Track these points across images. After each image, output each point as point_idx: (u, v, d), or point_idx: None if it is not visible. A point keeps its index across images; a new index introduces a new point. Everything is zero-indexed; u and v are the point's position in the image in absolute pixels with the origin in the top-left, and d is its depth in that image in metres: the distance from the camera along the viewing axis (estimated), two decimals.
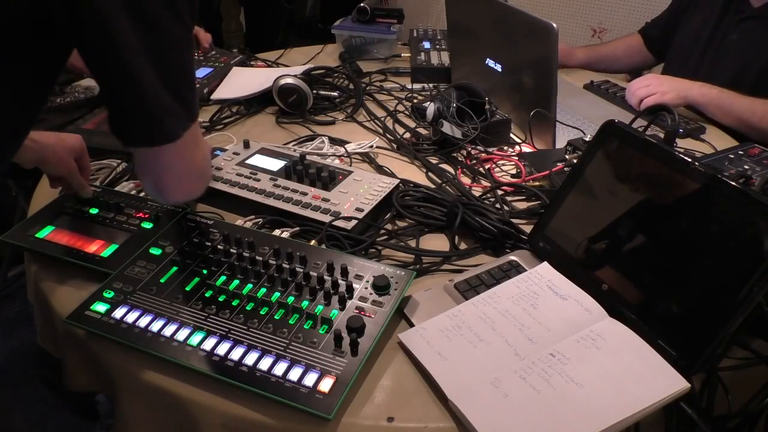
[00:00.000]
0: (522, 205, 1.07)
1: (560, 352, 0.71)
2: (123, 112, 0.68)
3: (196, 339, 0.73)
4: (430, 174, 1.16)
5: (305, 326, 0.74)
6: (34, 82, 0.70)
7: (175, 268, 0.83)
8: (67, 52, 0.70)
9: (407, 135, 1.30)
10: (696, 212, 0.74)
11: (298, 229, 0.95)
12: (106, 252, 0.88)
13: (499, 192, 1.09)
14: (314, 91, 1.38)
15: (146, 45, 0.63)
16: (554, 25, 1.09)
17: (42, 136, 0.92)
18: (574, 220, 0.87)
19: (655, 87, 1.36)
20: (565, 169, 1.07)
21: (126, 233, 0.91)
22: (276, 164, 1.07)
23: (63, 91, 1.50)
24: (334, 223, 0.93)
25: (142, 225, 0.93)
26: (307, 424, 0.66)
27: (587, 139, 1.12)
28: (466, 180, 1.15)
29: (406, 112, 1.40)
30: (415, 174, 1.17)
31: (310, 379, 0.68)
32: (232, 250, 0.86)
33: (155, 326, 0.74)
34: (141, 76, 0.64)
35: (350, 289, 0.79)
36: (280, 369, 0.69)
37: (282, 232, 0.93)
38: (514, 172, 1.16)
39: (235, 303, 0.78)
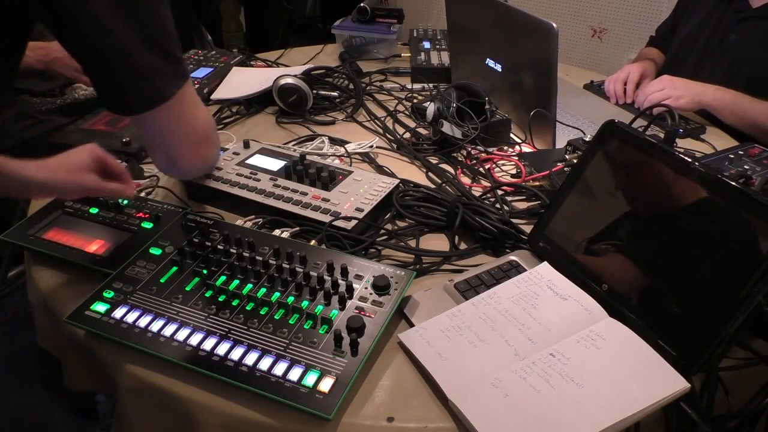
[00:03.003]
0: (522, 205, 1.07)
1: (560, 352, 0.71)
2: (111, 82, 0.67)
3: (196, 339, 0.73)
4: (430, 174, 1.16)
5: (305, 326, 0.74)
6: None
7: (175, 268, 0.83)
8: (27, 30, 0.69)
9: (407, 135, 1.30)
10: (696, 212, 0.74)
11: (298, 229, 0.95)
12: (106, 252, 0.88)
13: (499, 192, 1.09)
14: (314, 91, 1.38)
15: (119, 6, 0.62)
16: (554, 25, 1.09)
17: (52, 173, 0.81)
18: (574, 220, 0.87)
19: (670, 91, 1.34)
20: (565, 169, 1.07)
21: (126, 233, 0.91)
22: (276, 164, 1.07)
23: (63, 92, 1.50)
24: (334, 223, 0.93)
25: (142, 225, 0.93)
26: (307, 424, 0.66)
27: (587, 139, 1.12)
28: (466, 180, 1.15)
29: (406, 112, 1.40)
30: (415, 174, 1.17)
31: (310, 379, 0.68)
32: (232, 250, 0.86)
33: (155, 326, 0.74)
34: (120, 38, 0.63)
35: (350, 289, 0.79)
36: (280, 369, 0.69)
37: (282, 232, 0.93)
38: (514, 172, 1.16)
39: (235, 303, 0.78)
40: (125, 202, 0.97)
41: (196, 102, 0.75)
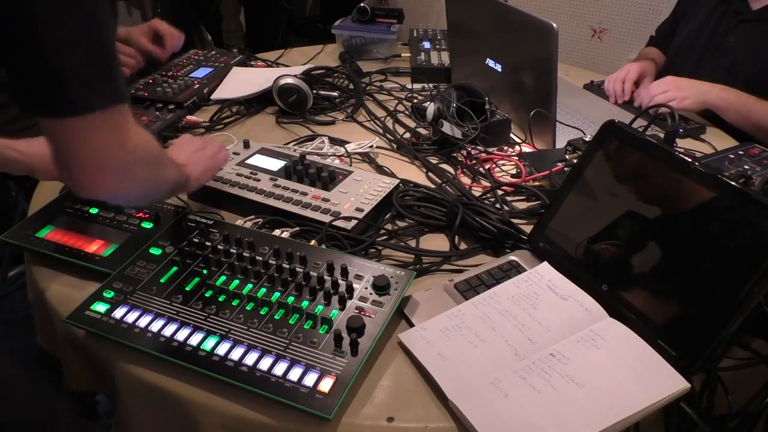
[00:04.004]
0: (522, 205, 1.07)
1: (560, 352, 0.71)
2: (24, 71, 0.60)
3: (196, 339, 0.73)
4: (430, 174, 1.16)
5: (305, 326, 0.74)
6: None
7: (175, 268, 0.83)
8: None
9: (407, 135, 1.30)
10: (696, 212, 0.74)
11: (298, 229, 0.94)
12: (106, 252, 0.88)
13: (499, 192, 1.09)
14: (314, 91, 1.38)
15: (61, 6, 0.57)
16: (554, 25, 1.09)
17: (28, 145, 0.91)
18: (574, 220, 0.87)
19: (674, 93, 1.34)
20: (565, 169, 1.07)
21: (126, 233, 0.91)
22: (276, 164, 1.07)
23: None
24: (334, 223, 0.93)
25: (142, 225, 0.93)
26: (307, 424, 0.66)
27: (587, 139, 1.12)
28: (466, 180, 1.15)
29: (406, 112, 1.40)
30: (415, 174, 1.17)
31: (310, 379, 0.68)
32: (232, 250, 0.86)
33: (155, 326, 0.74)
34: (47, 30, 0.57)
35: (350, 289, 0.79)
36: (280, 369, 0.69)
37: (282, 232, 0.93)
38: (514, 172, 1.16)
39: (235, 303, 0.78)
40: None
41: (119, 129, 0.65)
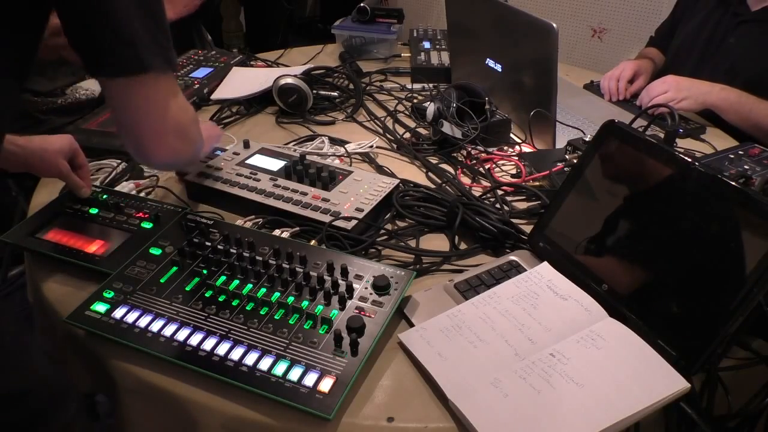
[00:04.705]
0: (522, 205, 1.07)
1: (560, 352, 0.71)
2: (96, 41, 0.69)
3: (196, 339, 0.73)
4: (430, 174, 1.16)
5: (305, 326, 0.74)
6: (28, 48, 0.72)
7: (175, 268, 0.83)
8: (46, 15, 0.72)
9: (407, 135, 1.30)
10: (696, 212, 0.74)
11: (298, 229, 0.94)
12: (106, 252, 0.88)
13: (499, 192, 1.09)
14: (314, 91, 1.38)
15: None
16: (554, 25, 1.09)
17: (28, 141, 0.92)
18: (574, 220, 0.87)
19: (674, 93, 1.35)
20: (565, 169, 1.07)
21: (126, 233, 0.91)
22: (276, 164, 1.07)
23: (64, 93, 1.50)
24: (334, 223, 0.93)
25: (142, 225, 0.93)
26: (307, 424, 0.66)
27: (587, 139, 1.12)
28: (466, 180, 1.15)
29: (406, 112, 1.40)
30: (415, 174, 1.17)
31: (310, 379, 0.68)
32: (232, 250, 0.86)
33: (155, 326, 0.74)
34: (123, 4, 0.67)
35: (350, 289, 0.79)
36: (280, 369, 0.69)
37: (282, 232, 0.93)
38: (514, 172, 1.16)
39: (235, 303, 0.78)
40: (122, 201, 0.97)
41: (175, 92, 0.76)
